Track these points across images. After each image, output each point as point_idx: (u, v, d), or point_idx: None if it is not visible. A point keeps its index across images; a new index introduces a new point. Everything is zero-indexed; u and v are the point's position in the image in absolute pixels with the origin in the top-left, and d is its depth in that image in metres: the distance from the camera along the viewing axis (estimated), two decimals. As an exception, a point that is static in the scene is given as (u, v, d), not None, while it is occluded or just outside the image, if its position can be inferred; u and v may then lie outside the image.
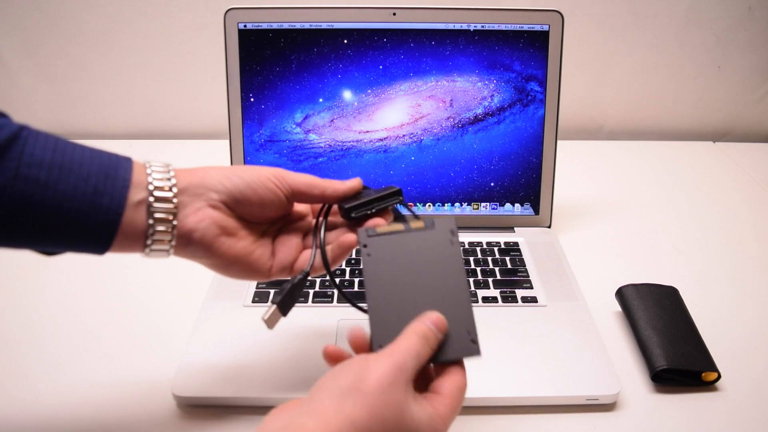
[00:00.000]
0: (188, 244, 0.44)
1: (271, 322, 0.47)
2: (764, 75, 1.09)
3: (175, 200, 0.43)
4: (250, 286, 0.67)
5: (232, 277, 0.48)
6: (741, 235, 0.81)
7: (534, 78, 0.74)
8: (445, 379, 0.41)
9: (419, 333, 0.40)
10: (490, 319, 0.62)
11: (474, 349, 0.41)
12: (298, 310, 0.63)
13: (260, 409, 0.54)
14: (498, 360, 0.57)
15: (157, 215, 0.42)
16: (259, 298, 0.65)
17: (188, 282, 0.69)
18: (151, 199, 0.42)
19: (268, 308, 0.47)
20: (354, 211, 0.48)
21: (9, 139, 0.38)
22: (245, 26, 0.72)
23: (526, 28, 0.73)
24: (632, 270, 0.72)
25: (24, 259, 0.74)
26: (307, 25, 0.72)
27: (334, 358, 0.42)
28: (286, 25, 0.72)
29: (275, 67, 0.73)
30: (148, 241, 0.43)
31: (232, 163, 0.76)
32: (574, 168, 0.96)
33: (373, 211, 0.48)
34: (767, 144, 1.10)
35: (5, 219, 0.39)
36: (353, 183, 0.49)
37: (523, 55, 0.74)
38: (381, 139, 0.75)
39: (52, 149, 0.40)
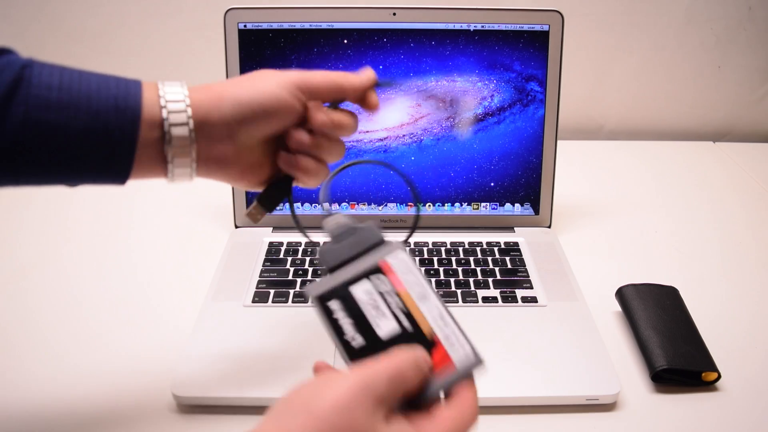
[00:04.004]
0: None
1: (252, 216, 0.47)
2: (764, 75, 1.09)
3: (193, 134, 0.42)
4: (250, 286, 0.67)
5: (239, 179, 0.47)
6: (741, 235, 0.81)
7: (534, 78, 0.74)
8: (447, 402, 0.37)
9: (406, 354, 0.36)
10: (490, 319, 0.62)
11: (475, 361, 0.38)
12: (298, 310, 0.64)
13: (260, 409, 0.54)
14: (498, 360, 0.57)
15: (174, 150, 0.42)
16: (259, 298, 0.65)
17: (188, 282, 0.69)
18: (168, 137, 0.41)
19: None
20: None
21: (14, 81, 0.38)
22: (245, 26, 0.72)
23: (526, 28, 0.73)
24: (632, 270, 0.72)
25: (27, 258, 0.74)
26: (307, 25, 0.72)
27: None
28: (286, 25, 0.72)
29: (275, 67, 0.73)
30: (169, 156, 0.42)
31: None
32: (574, 168, 0.96)
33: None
34: (767, 144, 1.10)
35: (21, 161, 0.39)
36: (367, 75, 0.47)
37: (523, 55, 0.74)
38: (381, 139, 0.75)
39: (58, 87, 0.39)
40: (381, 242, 0.42)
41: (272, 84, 0.44)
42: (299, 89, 0.44)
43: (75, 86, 0.40)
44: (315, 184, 0.48)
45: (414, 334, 0.38)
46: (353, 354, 0.38)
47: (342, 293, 0.39)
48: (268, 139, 0.46)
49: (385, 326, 0.38)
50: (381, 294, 0.39)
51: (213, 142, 0.43)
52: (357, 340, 0.38)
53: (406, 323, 0.38)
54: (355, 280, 0.40)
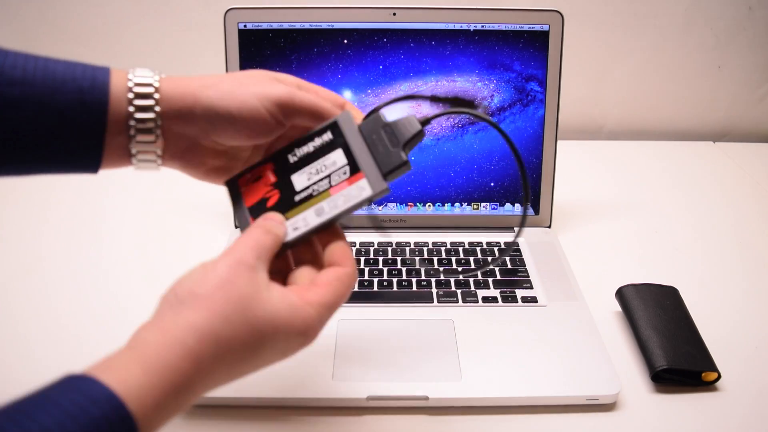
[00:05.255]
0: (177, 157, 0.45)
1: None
2: (764, 75, 1.09)
3: (157, 109, 0.41)
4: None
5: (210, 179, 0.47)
6: (741, 234, 0.81)
7: (534, 78, 0.74)
8: (325, 269, 0.40)
9: (257, 225, 0.40)
10: (490, 319, 0.62)
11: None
12: (298, 310, 0.64)
13: (260, 409, 0.54)
14: (498, 360, 0.57)
15: (138, 147, 0.42)
16: (259, 298, 0.65)
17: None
18: (132, 132, 0.41)
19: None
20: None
21: None
22: (245, 26, 0.72)
23: (526, 28, 0.73)
24: (632, 270, 0.72)
25: (24, 258, 0.74)
26: (307, 25, 0.72)
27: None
28: (286, 25, 0.72)
29: (275, 67, 0.73)
30: (134, 160, 0.43)
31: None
32: (574, 168, 0.95)
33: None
34: (767, 144, 1.10)
35: None
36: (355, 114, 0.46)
37: (523, 55, 0.74)
38: (381, 139, 0.75)
39: (21, 82, 0.38)
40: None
41: (252, 98, 0.42)
42: (280, 109, 0.42)
43: (39, 80, 0.39)
44: None
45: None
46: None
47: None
48: (239, 147, 0.46)
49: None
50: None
51: (179, 139, 0.43)
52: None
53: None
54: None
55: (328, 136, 0.44)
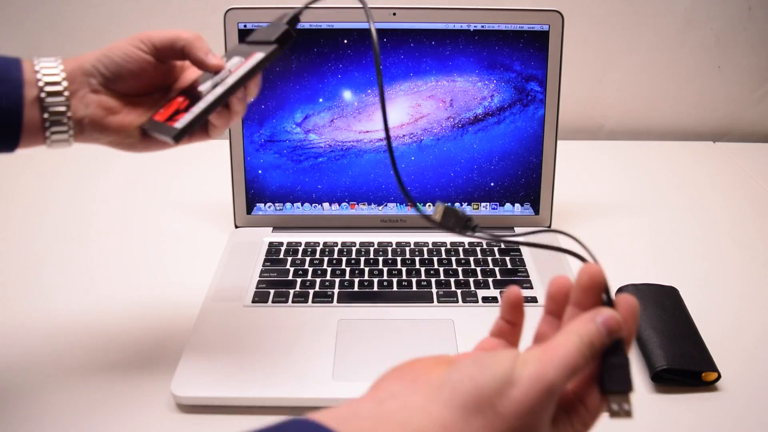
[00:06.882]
0: (83, 130, 0.48)
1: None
2: (764, 75, 1.09)
3: (66, 93, 0.46)
4: (250, 286, 0.67)
5: (141, 152, 0.51)
6: (741, 235, 0.81)
7: (534, 78, 0.74)
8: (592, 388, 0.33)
9: (582, 335, 0.32)
10: (491, 319, 0.62)
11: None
12: (298, 310, 0.64)
13: (260, 409, 0.54)
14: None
15: (51, 109, 0.46)
16: (259, 298, 0.65)
17: (188, 282, 0.69)
18: (43, 94, 0.45)
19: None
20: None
21: None
22: (245, 26, 0.72)
23: (526, 28, 0.73)
24: (632, 270, 0.72)
25: (28, 257, 0.74)
26: (307, 25, 0.72)
27: (514, 305, 0.37)
28: (286, 25, 0.72)
29: (275, 67, 0.73)
30: (47, 134, 0.46)
31: (232, 164, 0.76)
32: (574, 168, 0.96)
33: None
34: (767, 144, 1.10)
35: None
36: (217, 62, 0.50)
37: (523, 55, 0.74)
38: (381, 139, 0.75)
39: None
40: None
41: (121, 41, 0.49)
42: (141, 41, 0.48)
43: None
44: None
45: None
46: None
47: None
48: (140, 97, 0.51)
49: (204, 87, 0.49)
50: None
51: (84, 105, 0.47)
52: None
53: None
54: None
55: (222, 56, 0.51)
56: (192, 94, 0.50)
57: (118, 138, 0.49)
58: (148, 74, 0.50)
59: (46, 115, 0.45)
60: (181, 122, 0.47)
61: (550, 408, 0.31)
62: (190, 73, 0.53)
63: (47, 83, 0.45)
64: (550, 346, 0.31)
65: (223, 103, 0.48)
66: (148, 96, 0.51)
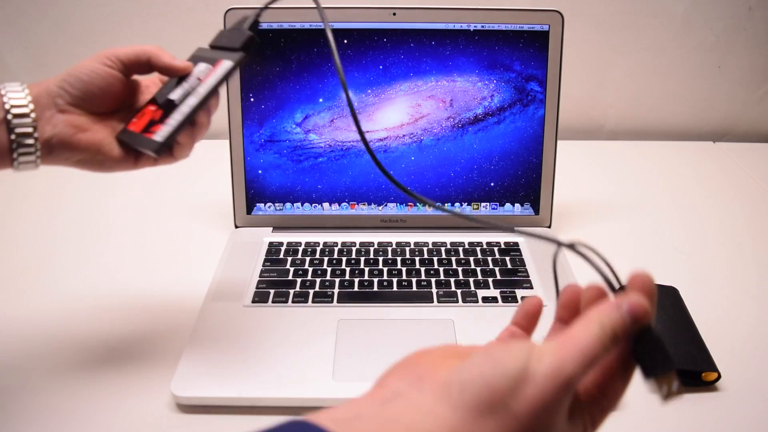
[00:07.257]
0: (51, 151, 0.48)
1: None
2: (764, 75, 1.09)
3: (33, 115, 0.46)
4: (250, 286, 0.67)
5: (110, 171, 0.51)
6: (741, 235, 0.81)
7: (534, 78, 0.74)
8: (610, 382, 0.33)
9: (604, 324, 0.30)
10: (490, 319, 0.62)
11: None
12: (298, 310, 0.64)
13: (260, 409, 0.54)
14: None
15: (18, 130, 0.46)
16: (259, 298, 0.65)
17: (188, 282, 0.69)
18: (10, 116, 0.45)
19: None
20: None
21: None
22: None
23: (526, 28, 0.73)
24: (632, 270, 0.72)
25: (22, 258, 0.74)
26: (307, 25, 0.72)
27: (531, 314, 0.37)
28: (285, 25, 0.72)
29: (275, 67, 0.73)
30: (14, 155, 0.46)
31: (232, 164, 0.76)
32: (574, 168, 0.96)
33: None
34: (767, 144, 1.10)
35: None
36: (184, 65, 0.52)
37: (523, 55, 0.74)
38: (381, 139, 0.75)
39: None
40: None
41: (86, 60, 0.49)
42: (108, 58, 0.49)
43: None
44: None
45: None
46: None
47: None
48: (109, 115, 0.51)
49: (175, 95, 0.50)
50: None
51: (52, 125, 0.47)
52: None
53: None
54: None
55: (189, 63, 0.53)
56: (162, 103, 0.51)
57: (88, 155, 0.49)
58: (116, 90, 0.50)
59: (12, 137, 0.46)
60: (160, 134, 0.48)
61: (567, 401, 0.29)
62: (154, 91, 0.54)
63: (13, 106, 0.46)
64: (567, 338, 0.30)
65: (203, 108, 0.49)
66: (117, 113, 0.52)
